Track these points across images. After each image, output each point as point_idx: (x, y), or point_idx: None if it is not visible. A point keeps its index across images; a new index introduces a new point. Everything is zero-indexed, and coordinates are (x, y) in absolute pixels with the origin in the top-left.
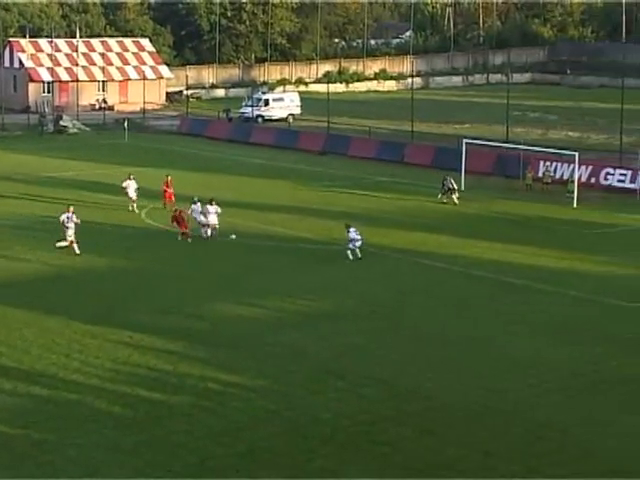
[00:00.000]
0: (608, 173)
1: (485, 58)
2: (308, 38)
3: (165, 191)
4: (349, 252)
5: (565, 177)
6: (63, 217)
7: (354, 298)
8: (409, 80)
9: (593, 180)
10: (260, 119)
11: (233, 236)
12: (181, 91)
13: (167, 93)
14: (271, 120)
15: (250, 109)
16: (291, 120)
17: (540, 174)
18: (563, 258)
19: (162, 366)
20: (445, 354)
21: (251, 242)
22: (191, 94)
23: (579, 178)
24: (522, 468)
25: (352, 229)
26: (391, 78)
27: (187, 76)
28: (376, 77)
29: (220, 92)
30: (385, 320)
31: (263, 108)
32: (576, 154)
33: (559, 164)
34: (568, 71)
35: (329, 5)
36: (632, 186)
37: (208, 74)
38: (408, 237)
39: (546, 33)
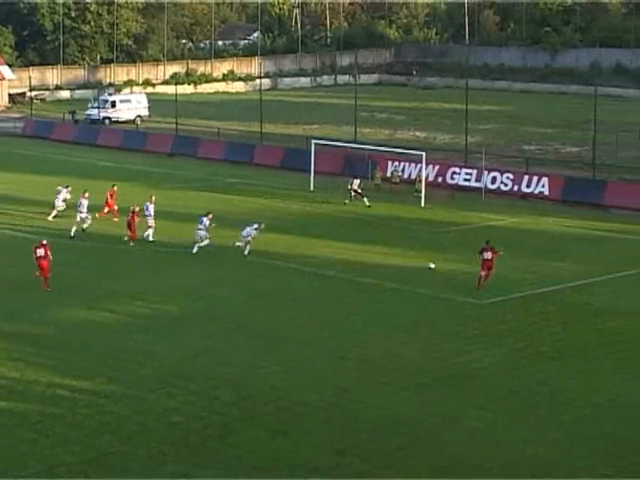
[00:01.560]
0: (454, 172)
1: (333, 59)
2: (155, 39)
3: (107, 202)
4: (198, 245)
5: (413, 177)
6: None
7: (205, 300)
8: (257, 81)
9: (440, 179)
10: (107, 121)
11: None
12: (24, 92)
13: (10, 94)
14: (118, 122)
15: (97, 111)
16: (139, 122)
17: (388, 174)
18: (412, 257)
19: (8, 373)
20: (296, 354)
21: (102, 245)
22: (35, 95)
23: (426, 178)
24: (375, 465)
25: (204, 218)
26: (239, 79)
27: (30, 77)
28: (224, 78)
29: (65, 94)
30: (236, 322)
31: (110, 110)
32: (423, 154)
33: (407, 164)
34: (414, 72)
35: (176, 6)
36: (477, 185)
37: (52, 75)
38: (259, 238)
39: (392, 35)
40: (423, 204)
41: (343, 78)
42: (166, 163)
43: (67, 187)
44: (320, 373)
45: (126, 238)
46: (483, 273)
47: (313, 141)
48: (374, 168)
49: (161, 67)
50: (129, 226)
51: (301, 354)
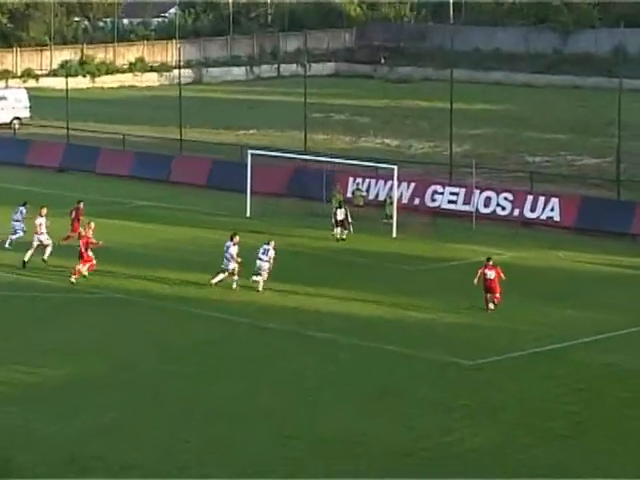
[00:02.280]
0: (436, 192)
1: (275, 44)
2: (38, 16)
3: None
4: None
5: (381, 198)
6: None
7: (105, 361)
8: (175, 72)
9: (417, 201)
10: None
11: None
12: None
13: None
14: None
15: None
16: (17, 126)
17: (349, 194)
18: (380, 303)
19: None
20: (228, 433)
21: None
22: None
23: (399, 199)
24: None
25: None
26: (151, 70)
27: None
28: (132, 69)
29: None
30: (146, 390)
31: None
32: (395, 168)
33: (374, 181)
34: (382, 60)
35: None
36: (466, 208)
37: None
38: (179, 279)
39: (353, 11)
40: (395, 234)
41: (289, 68)
42: (54, 181)
43: None
44: (260, 458)
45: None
46: (488, 295)
47: (250, 151)
48: (331, 187)
49: (47, 53)
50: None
51: (234, 433)
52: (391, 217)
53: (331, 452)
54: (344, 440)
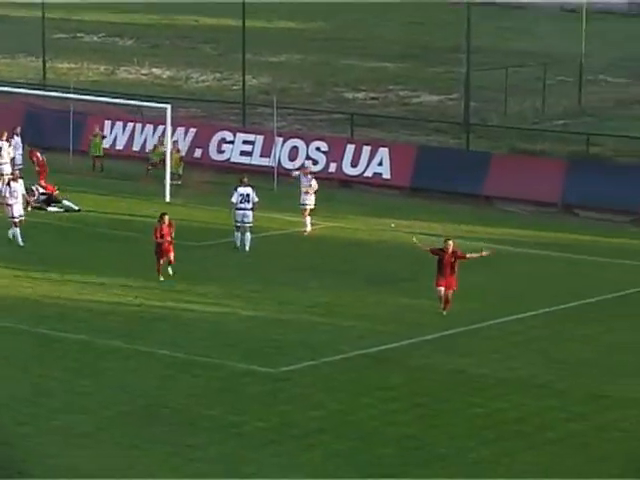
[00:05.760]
0: (224, 140)
1: None
2: None
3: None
4: None
5: (148, 148)
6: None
7: None
8: None
9: (199, 153)
10: None
11: None
12: None
13: None
14: None
15: None
16: None
17: (106, 144)
18: (150, 291)
19: None
20: None
21: None
22: None
23: (176, 150)
24: None
25: None
26: None
27: None
28: None
29: None
30: None
31: None
32: (167, 107)
33: (139, 126)
34: None
35: None
36: (264, 162)
37: None
38: None
39: None
40: (168, 197)
41: None
42: None
43: None
44: None
45: None
46: (441, 289)
47: None
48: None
49: None
50: None
51: None
52: (155, 167)
53: None
54: None
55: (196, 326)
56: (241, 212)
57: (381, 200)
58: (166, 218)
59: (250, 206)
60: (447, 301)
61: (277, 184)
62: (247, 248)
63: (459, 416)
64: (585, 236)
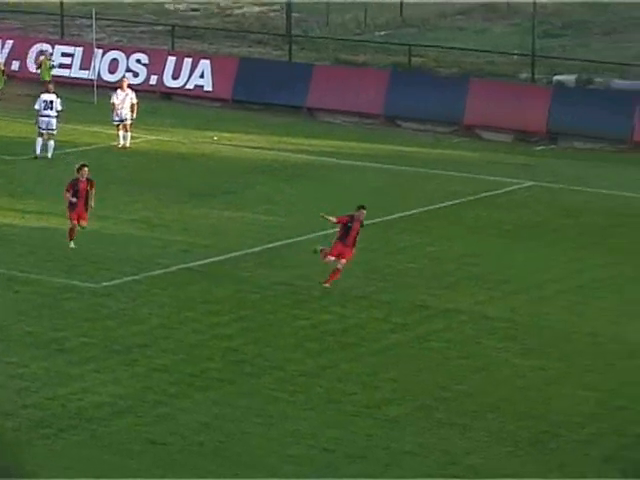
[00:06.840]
0: (42, 52)
1: None
2: None
3: None
4: None
5: None
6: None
7: None
8: None
9: (16, 65)
10: None
11: None
12: None
13: None
14: None
15: None
16: None
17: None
18: None
19: None
20: None
21: None
22: None
23: None
24: None
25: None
26: None
27: None
28: None
29: None
30: None
31: None
32: None
33: None
34: None
35: None
36: (83, 75)
37: None
38: None
39: None
40: None
41: None
42: None
43: None
44: None
45: None
46: (332, 258)
47: None
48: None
49: None
50: None
51: None
52: None
53: None
54: None
55: (17, 242)
56: (45, 119)
57: (203, 113)
58: (85, 170)
59: (55, 114)
60: (337, 271)
61: (97, 97)
62: (49, 155)
63: (284, 328)
64: (407, 147)
